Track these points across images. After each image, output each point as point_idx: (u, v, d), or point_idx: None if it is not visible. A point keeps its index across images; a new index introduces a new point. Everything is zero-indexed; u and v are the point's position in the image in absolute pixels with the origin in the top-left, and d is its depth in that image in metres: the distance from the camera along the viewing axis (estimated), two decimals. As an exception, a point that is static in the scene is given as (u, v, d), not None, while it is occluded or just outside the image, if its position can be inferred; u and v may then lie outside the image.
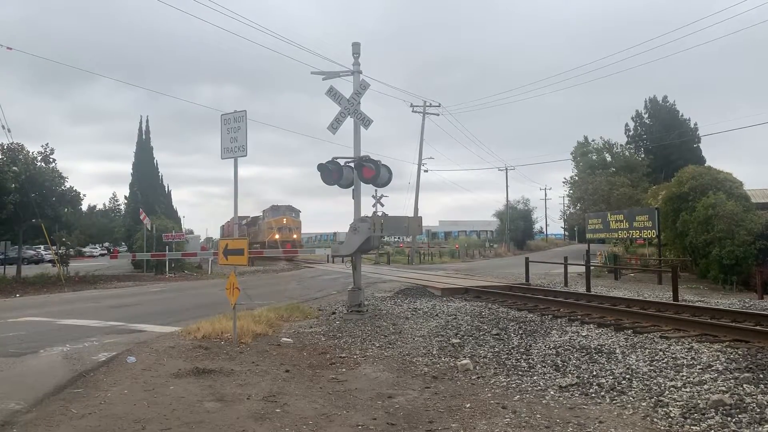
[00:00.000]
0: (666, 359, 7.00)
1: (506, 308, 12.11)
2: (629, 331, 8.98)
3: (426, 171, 44.17)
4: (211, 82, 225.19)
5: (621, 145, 49.07)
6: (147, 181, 38.28)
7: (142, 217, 31.07)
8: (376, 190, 37.93)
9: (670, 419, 5.03)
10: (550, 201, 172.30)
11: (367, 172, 12.03)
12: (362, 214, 12.40)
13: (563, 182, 68.63)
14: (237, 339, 8.96)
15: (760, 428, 4.65)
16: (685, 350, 7.42)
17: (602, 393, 5.92)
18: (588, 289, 16.52)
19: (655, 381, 6.15)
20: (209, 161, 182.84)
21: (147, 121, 38.74)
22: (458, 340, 8.82)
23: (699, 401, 5.36)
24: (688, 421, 4.95)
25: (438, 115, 42.83)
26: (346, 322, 11.00)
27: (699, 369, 6.43)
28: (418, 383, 6.61)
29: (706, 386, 5.79)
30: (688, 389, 5.75)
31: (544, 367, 7.08)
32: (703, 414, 5.04)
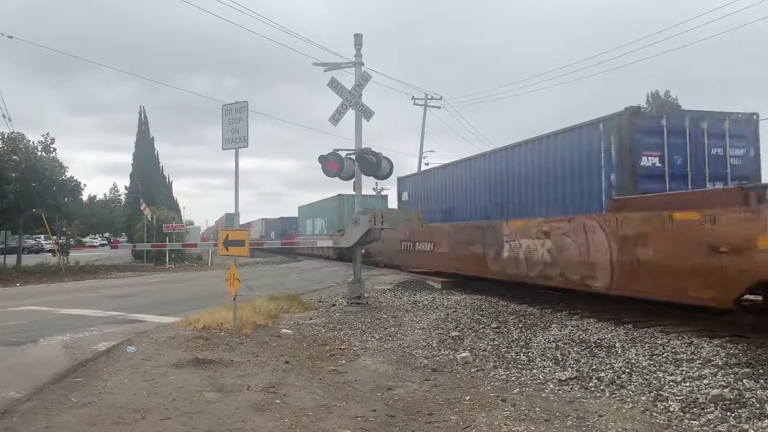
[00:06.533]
0: (666, 354, 7.00)
1: (506, 301, 12.11)
2: (629, 326, 8.98)
3: (427, 164, 43.88)
4: (209, 73, 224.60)
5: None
6: (147, 171, 38.33)
7: (142, 208, 31.10)
8: (377, 183, 37.79)
9: (669, 413, 5.03)
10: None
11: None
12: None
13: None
14: (237, 330, 8.97)
15: (760, 423, 4.65)
16: (685, 345, 7.42)
17: (602, 387, 5.92)
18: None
19: (654, 375, 6.15)
20: (209, 152, 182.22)
21: (146, 111, 38.68)
22: (458, 333, 8.82)
23: (698, 396, 5.36)
24: (688, 415, 4.95)
25: (440, 108, 42.47)
26: (346, 314, 11.01)
27: (699, 364, 6.43)
28: (417, 375, 6.61)
29: (705, 381, 5.79)
30: (687, 384, 5.75)
31: (544, 360, 7.08)
32: (703, 408, 5.04)
